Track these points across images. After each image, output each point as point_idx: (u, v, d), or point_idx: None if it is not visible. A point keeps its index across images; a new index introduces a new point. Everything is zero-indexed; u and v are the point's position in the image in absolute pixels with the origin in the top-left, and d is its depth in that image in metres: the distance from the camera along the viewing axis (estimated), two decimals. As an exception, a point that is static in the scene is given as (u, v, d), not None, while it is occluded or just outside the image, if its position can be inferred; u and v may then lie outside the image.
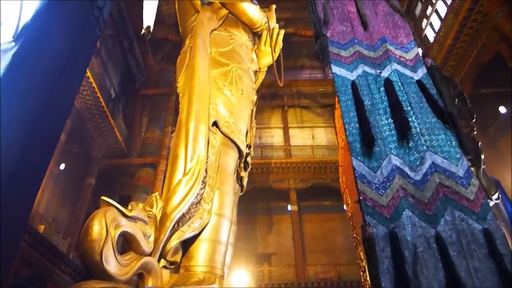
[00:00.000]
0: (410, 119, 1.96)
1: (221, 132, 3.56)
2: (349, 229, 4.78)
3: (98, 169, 10.60)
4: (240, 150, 3.71)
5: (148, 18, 5.15)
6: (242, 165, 4.13)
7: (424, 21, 10.30)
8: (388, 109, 2.02)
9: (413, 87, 2.11)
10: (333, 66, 2.14)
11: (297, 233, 11.40)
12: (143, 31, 5.07)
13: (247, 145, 4.13)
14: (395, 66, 2.18)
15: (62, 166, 9.88)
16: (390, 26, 2.36)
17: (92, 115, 9.70)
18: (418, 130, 1.94)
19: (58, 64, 1.96)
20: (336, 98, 4.01)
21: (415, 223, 1.71)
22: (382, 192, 1.79)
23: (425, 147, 1.89)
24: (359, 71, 2.16)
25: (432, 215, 1.72)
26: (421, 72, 2.18)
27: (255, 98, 4.92)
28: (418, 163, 1.85)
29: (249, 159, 4.29)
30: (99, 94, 9.23)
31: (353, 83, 2.11)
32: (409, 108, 2.02)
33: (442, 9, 9.41)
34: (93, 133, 10.21)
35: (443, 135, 1.93)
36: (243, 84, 4.23)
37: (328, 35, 2.18)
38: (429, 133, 1.93)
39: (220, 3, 5.30)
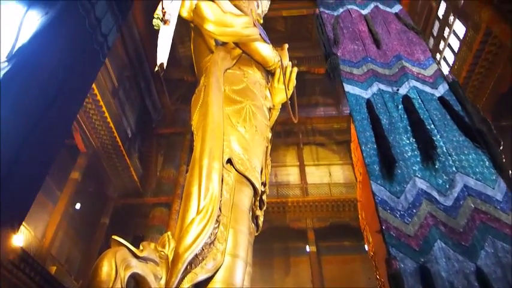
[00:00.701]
0: (434, 138, 1.74)
1: (235, 170, 3.44)
2: (372, 270, 4.41)
3: (113, 208, 10.47)
4: (255, 188, 3.56)
5: (162, 55, 5.15)
6: (257, 203, 3.95)
7: (437, 55, 10.22)
8: (409, 128, 1.81)
9: (435, 104, 1.91)
10: (345, 84, 1.96)
11: (316, 275, 10.77)
12: (156, 68, 5.06)
13: (262, 183, 3.95)
14: (414, 83, 1.99)
15: (78, 206, 9.80)
16: (405, 43, 2.21)
17: (108, 154, 9.72)
18: (444, 149, 1.71)
19: (52, 88, 1.84)
20: (351, 123, 3.83)
21: (450, 256, 1.44)
22: (408, 220, 1.54)
23: (454, 169, 1.64)
24: (374, 89, 1.98)
25: (470, 247, 1.45)
26: (442, 89, 1.98)
27: (269, 135, 4.80)
28: (447, 186, 1.60)
29: (264, 197, 4.10)
30: (116, 133, 9.29)
31: (368, 101, 1.92)
32: (432, 126, 1.81)
33: (455, 43, 9.32)
34: (109, 172, 10.19)
35: (473, 155, 1.69)
36: (257, 121, 4.14)
37: (338, 54, 2.03)
38: (457, 153, 1.70)
39: (234, 43, 5.37)
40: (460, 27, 9.02)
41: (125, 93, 10.28)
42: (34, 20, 1.90)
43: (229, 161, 3.51)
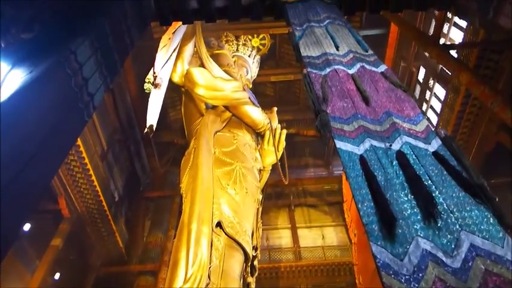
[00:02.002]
0: (434, 194, 1.64)
1: (225, 234, 3.30)
2: None
3: (95, 279, 9.79)
4: (245, 253, 3.39)
5: (152, 117, 5.16)
6: (248, 269, 3.73)
7: (421, 117, 10.54)
8: (406, 184, 1.71)
9: (430, 160, 1.84)
10: (336, 141, 1.90)
11: None
12: (146, 130, 5.03)
13: (253, 247, 3.78)
14: (406, 138, 1.94)
15: (57, 276, 9.13)
16: (394, 100, 2.20)
17: (93, 219, 9.33)
18: (445, 206, 1.60)
19: (31, 147, 1.73)
20: (343, 183, 3.74)
21: (465, 327, 1.27)
22: (415, 285, 1.38)
23: (458, 227, 1.53)
24: (366, 145, 1.92)
25: (485, 315, 1.29)
26: (435, 144, 1.93)
27: (260, 196, 4.70)
28: (453, 246, 1.47)
29: (256, 262, 3.89)
30: (102, 197, 9.01)
31: (361, 158, 1.85)
32: (429, 182, 1.72)
33: (437, 105, 9.67)
34: (93, 238, 9.70)
35: (476, 211, 1.59)
36: (247, 183, 4.07)
37: (328, 111, 2.00)
38: (459, 209, 1.59)
39: (224, 106, 5.46)
40: (440, 90, 9.43)
41: (114, 156, 10.18)
42: (17, 78, 1.85)
43: (218, 224, 3.34)
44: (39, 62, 1.92)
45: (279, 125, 5.72)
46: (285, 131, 5.65)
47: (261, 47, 11.10)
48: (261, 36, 10.98)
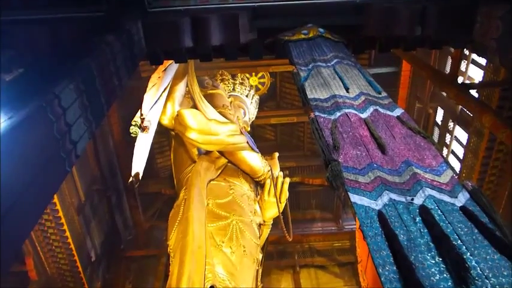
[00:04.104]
0: (465, 256, 1.63)
1: None
2: None
3: None
4: None
5: (138, 165, 5.20)
6: None
7: (441, 163, 10.59)
8: (432, 244, 1.70)
9: (457, 216, 1.84)
10: (351, 194, 1.91)
11: None
12: (131, 179, 5.04)
13: None
14: (429, 191, 1.95)
15: None
16: (413, 148, 2.24)
17: (65, 283, 9.04)
18: (479, 271, 1.58)
19: (4, 201, 1.74)
20: (357, 241, 3.68)
21: None
22: None
23: (495, 295, 1.50)
24: (384, 199, 1.92)
25: None
26: (463, 198, 1.94)
27: (259, 256, 4.62)
28: (491, 318, 1.44)
29: None
30: (76, 257, 8.80)
31: (380, 214, 1.84)
32: (459, 242, 1.71)
33: (459, 150, 9.76)
34: (62, 307, 9.34)
35: (515, 277, 1.57)
36: (245, 240, 4.03)
37: (340, 160, 2.03)
38: (495, 274, 1.57)
39: (218, 152, 5.51)
40: (461, 133, 9.56)
41: (92, 208, 10.07)
42: (-6, 125, 1.89)
43: (212, 288, 3.26)
44: (20, 107, 1.98)
45: (281, 173, 5.75)
46: (288, 180, 5.67)
47: (260, 86, 11.40)
48: (259, 74, 11.31)
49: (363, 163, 2.12)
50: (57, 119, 2.21)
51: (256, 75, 11.18)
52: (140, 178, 5.07)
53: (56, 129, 2.19)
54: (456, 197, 1.94)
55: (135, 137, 5.29)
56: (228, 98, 7.04)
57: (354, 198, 1.91)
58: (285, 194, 5.45)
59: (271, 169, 5.60)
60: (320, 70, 3.11)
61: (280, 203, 5.33)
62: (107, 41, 3.08)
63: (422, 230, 1.76)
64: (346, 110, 2.55)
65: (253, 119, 8.19)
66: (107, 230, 10.82)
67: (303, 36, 3.71)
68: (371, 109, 2.59)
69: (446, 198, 1.92)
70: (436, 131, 10.43)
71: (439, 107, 10.23)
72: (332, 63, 3.24)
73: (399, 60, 9.84)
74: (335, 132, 2.33)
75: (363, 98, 2.74)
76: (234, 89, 7.47)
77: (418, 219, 1.81)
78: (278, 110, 12.14)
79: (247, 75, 10.49)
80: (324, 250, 14.28)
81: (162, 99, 5.50)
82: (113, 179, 10.46)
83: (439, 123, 10.26)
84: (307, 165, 12.47)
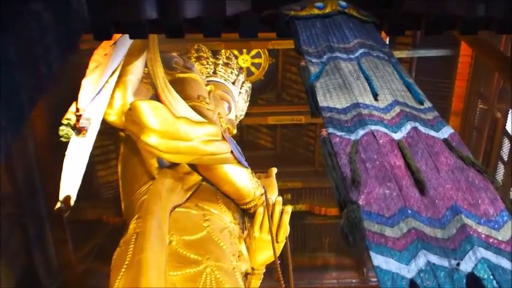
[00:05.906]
0: None
1: None
2: None
3: None
4: None
5: (69, 184, 5.23)
6: None
7: (512, 192, 10.70)
8: (483, 331, 1.78)
9: (521, 291, 1.92)
10: (373, 254, 1.97)
11: None
12: (58, 205, 5.07)
13: None
14: (483, 252, 2.02)
15: None
16: (463, 187, 2.30)
17: None
18: None
19: None
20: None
21: None
22: None
23: None
24: (420, 262, 1.99)
25: None
26: (530, 264, 2.02)
27: (245, 321, 4.66)
28: None
29: None
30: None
31: (412, 284, 1.92)
32: (520, 329, 1.79)
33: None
34: None
35: None
36: None
37: (360, 201, 2.09)
38: None
39: (189, 165, 5.51)
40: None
41: None
42: None
43: None
44: None
45: (280, 198, 5.74)
46: (289, 209, 5.67)
47: (253, 68, 11.33)
48: (253, 51, 11.20)
49: (392, 208, 2.17)
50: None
51: (248, 53, 11.12)
52: (72, 203, 5.10)
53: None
54: (521, 263, 2.01)
55: (67, 142, 5.29)
56: (206, 85, 6.95)
57: (378, 260, 1.96)
58: (285, 229, 5.46)
59: (265, 192, 5.59)
60: (339, 65, 3.14)
61: (277, 242, 5.34)
62: (33, 10, 3.13)
63: (470, 310, 1.83)
64: (373, 127, 2.59)
65: (243, 116, 8.17)
66: (19, 274, 10.79)
67: (316, 11, 3.73)
68: (408, 127, 2.63)
69: (504, 263, 1.98)
70: (507, 146, 10.51)
71: (510, 110, 10.34)
72: (356, 54, 3.28)
73: (457, 41, 9.91)
74: (355, 159, 2.37)
75: (397, 109, 2.77)
76: (215, 72, 7.31)
77: (465, 293, 1.88)
78: (279, 104, 12.04)
79: (236, 52, 10.38)
80: (340, 313, 14.31)
81: (109, 87, 5.47)
82: (31, 199, 10.43)
83: (511, 133, 10.35)
84: (319, 187, 12.38)
